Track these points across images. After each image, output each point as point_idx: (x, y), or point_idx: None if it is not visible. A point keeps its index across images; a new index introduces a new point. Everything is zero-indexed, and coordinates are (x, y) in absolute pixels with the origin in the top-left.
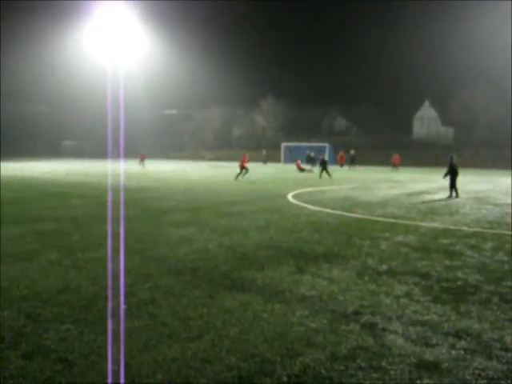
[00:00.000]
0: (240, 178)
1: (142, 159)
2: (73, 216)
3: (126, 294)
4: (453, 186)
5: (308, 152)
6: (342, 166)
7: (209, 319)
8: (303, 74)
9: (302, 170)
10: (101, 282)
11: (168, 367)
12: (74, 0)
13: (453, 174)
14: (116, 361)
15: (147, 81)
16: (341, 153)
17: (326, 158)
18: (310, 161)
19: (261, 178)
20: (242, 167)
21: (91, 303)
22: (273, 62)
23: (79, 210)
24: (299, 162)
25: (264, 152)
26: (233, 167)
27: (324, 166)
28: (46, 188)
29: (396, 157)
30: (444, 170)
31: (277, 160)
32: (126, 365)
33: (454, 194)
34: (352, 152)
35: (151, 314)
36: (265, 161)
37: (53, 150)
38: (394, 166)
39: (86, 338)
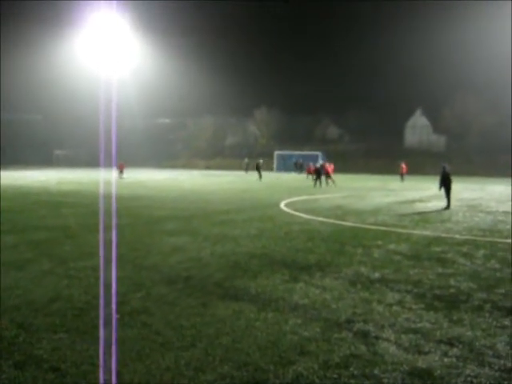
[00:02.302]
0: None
1: (121, 169)
2: (65, 225)
3: (119, 303)
4: (447, 194)
5: (300, 160)
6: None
7: (202, 328)
8: (296, 83)
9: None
10: (93, 291)
11: (161, 376)
12: (67, 9)
13: (447, 183)
14: (108, 370)
15: (140, 89)
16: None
17: (318, 165)
18: (299, 168)
19: (252, 187)
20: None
21: (83, 312)
22: (266, 71)
23: (71, 219)
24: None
25: (246, 160)
26: (225, 176)
27: (318, 174)
28: (39, 197)
29: (403, 165)
30: (436, 179)
31: (270, 168)
32: (119, 374)
33: (449, 203)
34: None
35: (144, 322)
36: (246, 169)
37: (45, 159)
38: (401, 174)
39: (78, 347)
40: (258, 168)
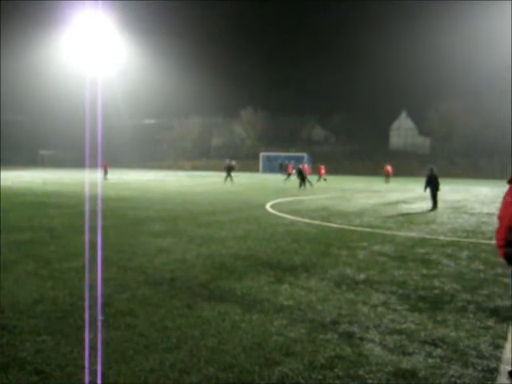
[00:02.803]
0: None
1: (105, 169)
2: (50, 226)
3: (103, 305)
4: (434, 196)
5: (286, 162)
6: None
7: (187, 329)
8: (282, 85)
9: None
10: (78, 293)
11: (146, 378)
12: (52, 8)
13: (434, 185)
14: (93, 372)
15: (126, 90)
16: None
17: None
18: (285, 169)
19: (239, 188)
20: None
21: (68, 314)
22: (252, 72)
23: (56, 220)
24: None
25: (227, 161)
26: (211, 177)
27: (301, 175)
28: (24, 197)
29: (388, 167)
30: (422, 181)
31: (255, 170)
32: (103, 376)
33: (435, 205)
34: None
35: (128, 324)
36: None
37: (29, 160)
38: (387, 176)
39: (62, 349)
40: (229, 169)
